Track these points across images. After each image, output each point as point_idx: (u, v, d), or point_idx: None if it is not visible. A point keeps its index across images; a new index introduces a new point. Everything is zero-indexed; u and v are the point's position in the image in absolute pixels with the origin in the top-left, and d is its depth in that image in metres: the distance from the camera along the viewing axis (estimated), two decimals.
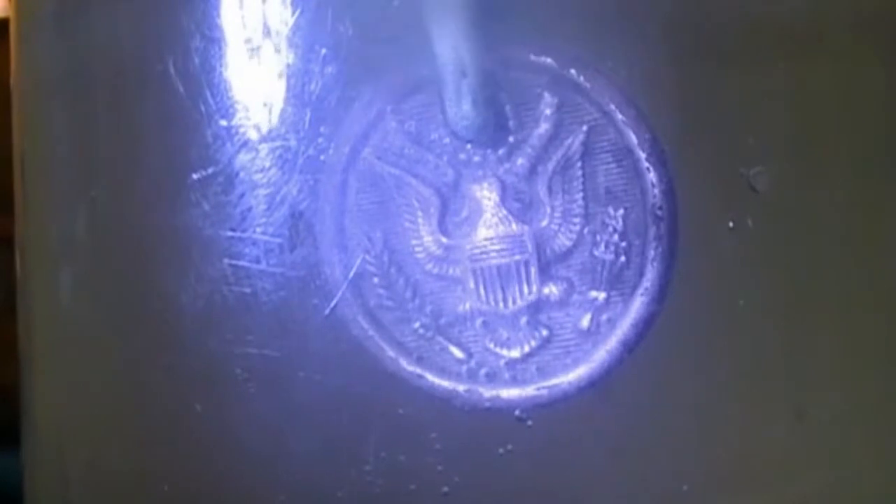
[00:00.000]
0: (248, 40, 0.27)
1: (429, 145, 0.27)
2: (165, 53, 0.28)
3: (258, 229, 0.27)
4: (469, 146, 0.27)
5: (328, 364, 0.27)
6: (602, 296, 0.27)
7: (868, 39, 0.28)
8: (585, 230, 0.27)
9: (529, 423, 0.27)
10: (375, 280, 0.27)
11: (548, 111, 0.27)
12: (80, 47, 0.30)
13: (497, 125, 0.27)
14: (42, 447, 0.32)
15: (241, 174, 0.27)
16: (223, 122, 0.27)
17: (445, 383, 0.27)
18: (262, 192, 0.27)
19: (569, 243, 0.27)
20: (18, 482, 0.33)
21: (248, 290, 0.27)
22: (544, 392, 0.27)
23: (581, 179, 0.27)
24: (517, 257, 0.27)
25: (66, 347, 0.31)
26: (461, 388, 0.27)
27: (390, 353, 0.27)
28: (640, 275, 0.26)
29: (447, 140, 0.27)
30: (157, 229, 0.28)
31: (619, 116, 0.26)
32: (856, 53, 0.28)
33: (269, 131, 0.27)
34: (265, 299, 0.27)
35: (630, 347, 0.26)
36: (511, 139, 0.27)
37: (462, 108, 0.26)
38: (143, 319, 0.29)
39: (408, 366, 0.27)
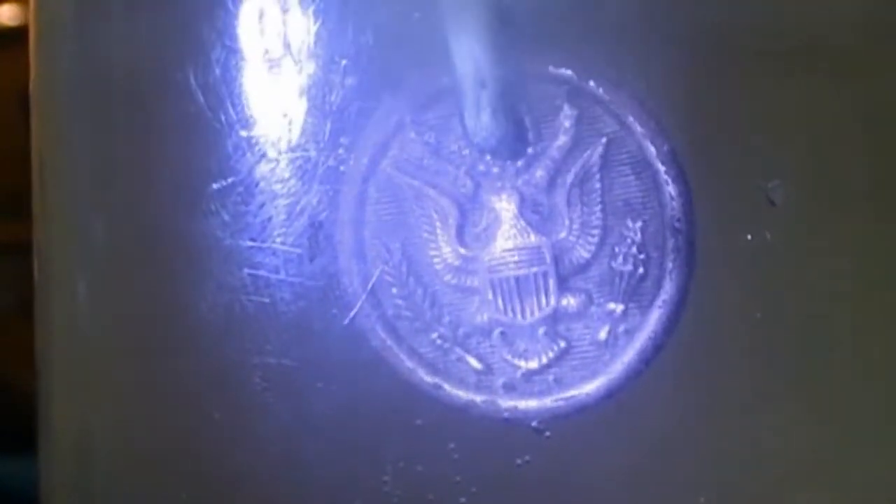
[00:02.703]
0: (268, 51, 0.27)
1: (448, 156, 0.27)
2: (186, 63, 0.28)
3: (278, 239, 0.27)
4: (488, 157, 0.27)
5: (346, 374, 0.27)
6: (620, 308, 0.27)
7: (886, 53, 0.28)
8: (604, 242, 0.27)
9: (547, 434, 0.27)
10: (394, 290, 0.27)
11: (567, 123, 0.27)
12: (100, 55, 0.30)
13: (516, 136, 0.27)
14: (59, 454, 0.32)
15: (261, 184, 0.27)
16: (243, 133, 0.27)
17: (463, 394, 0.27)
18: (281, 202, 0.27)
19: (587, 255, 0.27)
20: (33, 489, 0.33)
21: (267, 299, 0.27)
22: (562, 403, 0.27)
23: (600, 191, 0.27)
24: (535, 269, 0.27)
25: (83, 355, 0.31)
26: (479, 398, 0.27)
27: (408, 363, 0.27)
28: (659, 287, 0.26)
29: (466, 151, 0.27)
30: (176, 238, 0.28)
31: (638, 128, 0.26)
32: (874, 67, 0.28)
33: (289, 142, 0.27)
34: (284, 309, 0.27)
35: (647, 359, 0.26)
36: (530, 150, 0.27)
37: (481, 120, 0.26)
38: (161, 328, 0.29)
39: (426, 376, 0.27)
